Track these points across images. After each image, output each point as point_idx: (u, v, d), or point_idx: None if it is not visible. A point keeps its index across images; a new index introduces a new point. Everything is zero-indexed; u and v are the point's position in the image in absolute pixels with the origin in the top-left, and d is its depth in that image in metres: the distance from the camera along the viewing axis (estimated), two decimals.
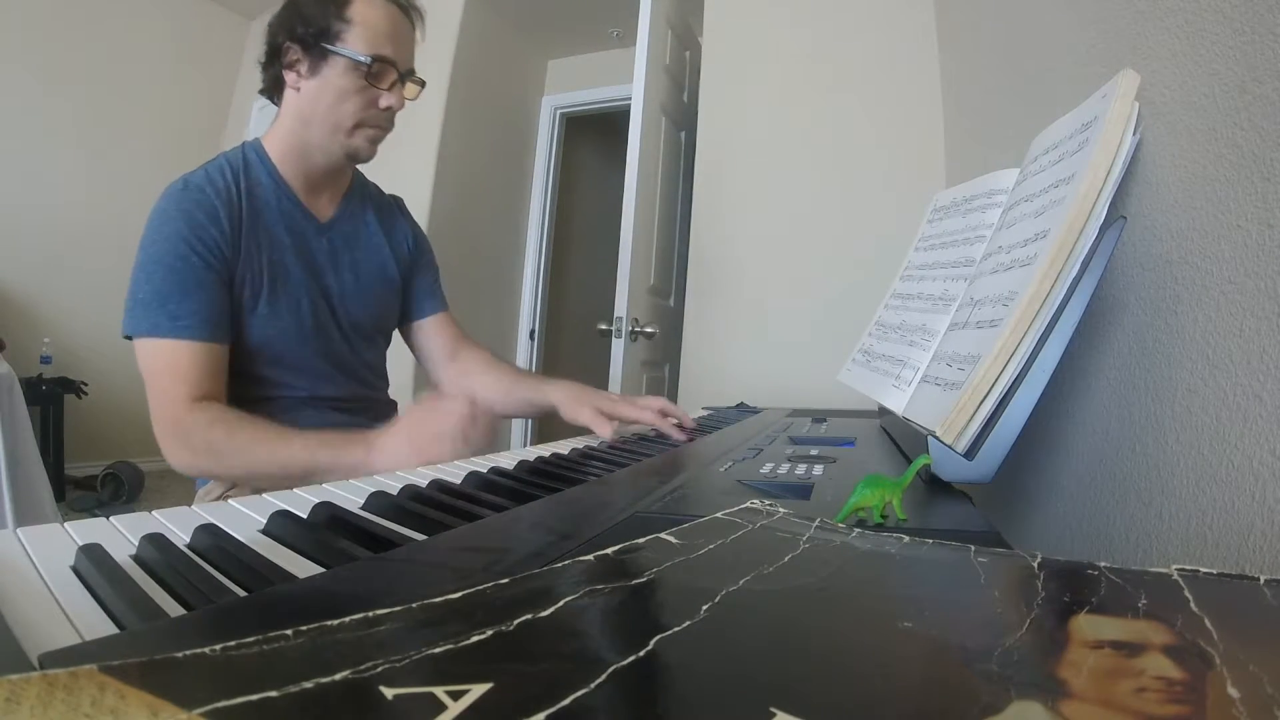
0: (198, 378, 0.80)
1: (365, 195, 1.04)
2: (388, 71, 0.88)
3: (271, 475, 0.76)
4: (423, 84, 0.94)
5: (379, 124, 0.91)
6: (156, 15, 3.40)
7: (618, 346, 1.77)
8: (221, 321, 0.83)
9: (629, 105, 1.82)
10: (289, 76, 0.88)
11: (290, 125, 0.90)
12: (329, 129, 0.89)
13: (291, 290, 0.89)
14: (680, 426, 0.84)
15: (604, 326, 1.82)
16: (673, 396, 2.02)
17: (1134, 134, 0.47)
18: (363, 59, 0.85)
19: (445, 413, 0.71)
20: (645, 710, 0.15)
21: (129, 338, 0.82)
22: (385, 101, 0.89)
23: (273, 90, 0.93)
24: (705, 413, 1.22)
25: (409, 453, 0.68)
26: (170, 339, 0.79)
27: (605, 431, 0.80)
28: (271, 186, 0.90)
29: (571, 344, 4.02)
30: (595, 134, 4.26)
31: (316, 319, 0.92)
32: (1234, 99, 0.41)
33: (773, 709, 0.14)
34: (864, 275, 1.67)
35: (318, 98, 0.87)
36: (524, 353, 3.48)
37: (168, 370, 0.80)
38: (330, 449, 0.75)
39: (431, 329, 1.10)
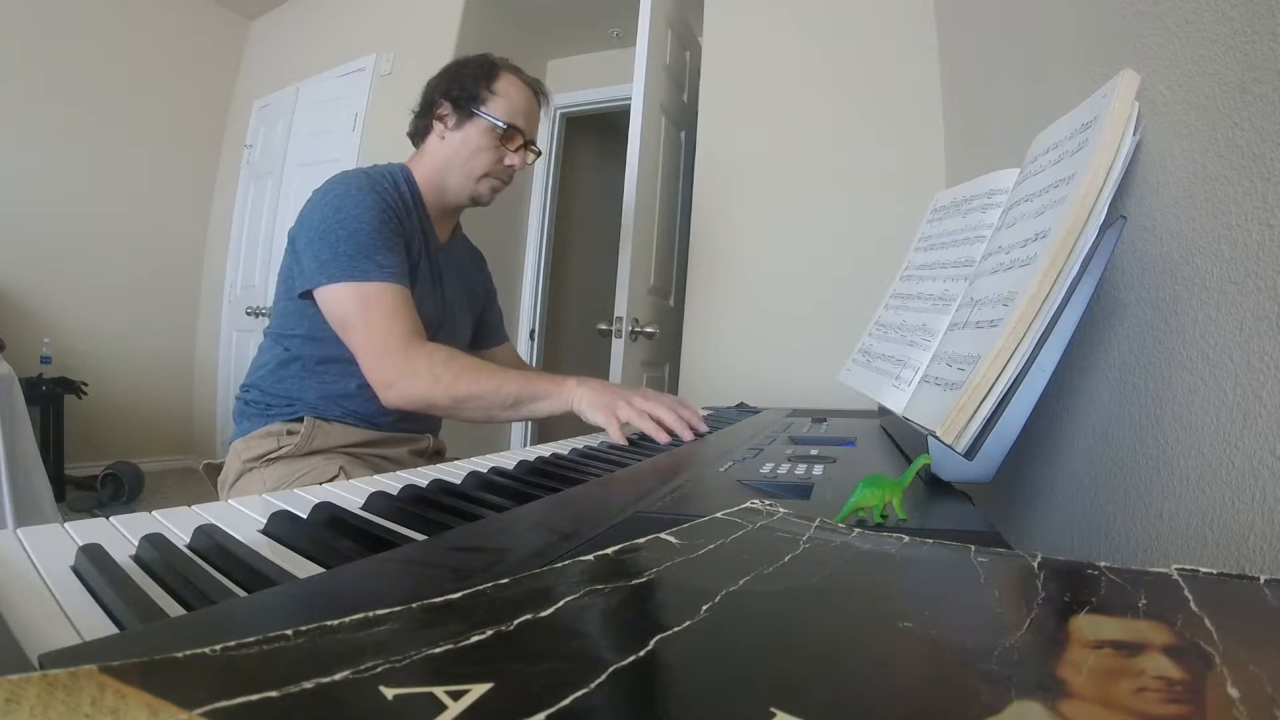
0: (408, 316, 0.91)
1: (464, 238, 1.24)
2: (516, 137, 1.07)
3: (485, 398, 0.88)
4: (539, 153, 1.12)
5: (501, 177, 1.09)
6: (156, 15, 3.40)
7: (618, 346, 1.77)
8: (408, 275, 0.96)
9: (629, 105, 1.82)
10: (437, 126, 1.06)
11: (433, 164, 1.07)
12: (463, 175, 1.07)
13: (426, 286, 1.04)
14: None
15: (604, 326, 1.82)
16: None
17: (1134, 134, 0.47)
18: (500, 124, 1.04)
19: (627, 390, 0.87)
20: (645, 710, 0.15)
21: (308, 293, 0.93)
22: (510, 160, 1.08)
23: (418, 135, 1.10)
24: (705, 413, 1.22)
25: (605, 399, 0.83)
26: (382, 283, 0.90)
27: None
28: (417, 202, 1.06)
29: (571, 344, 4.02)
30: (595, 134, 4.25)
31: (434, 317, 1.05)
32: (1234, 99, 0.41)
33: (773, 709, 0.14)
34: (864, 275, 1.67)
35: (459, 148, 1.05)
36: (524, 353, 3.48)
37: (383, 309, 0.89)
38: (540, 381, 0.89)
39: (501, 356, 1.30)
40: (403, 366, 0.87)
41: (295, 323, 0.99)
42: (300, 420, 0.97)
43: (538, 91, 1.11)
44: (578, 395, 0.85)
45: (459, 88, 1.04)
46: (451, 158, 1.06)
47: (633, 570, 0.24)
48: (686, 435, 0.79)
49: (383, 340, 0.88)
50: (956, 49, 1.48)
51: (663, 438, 0.79)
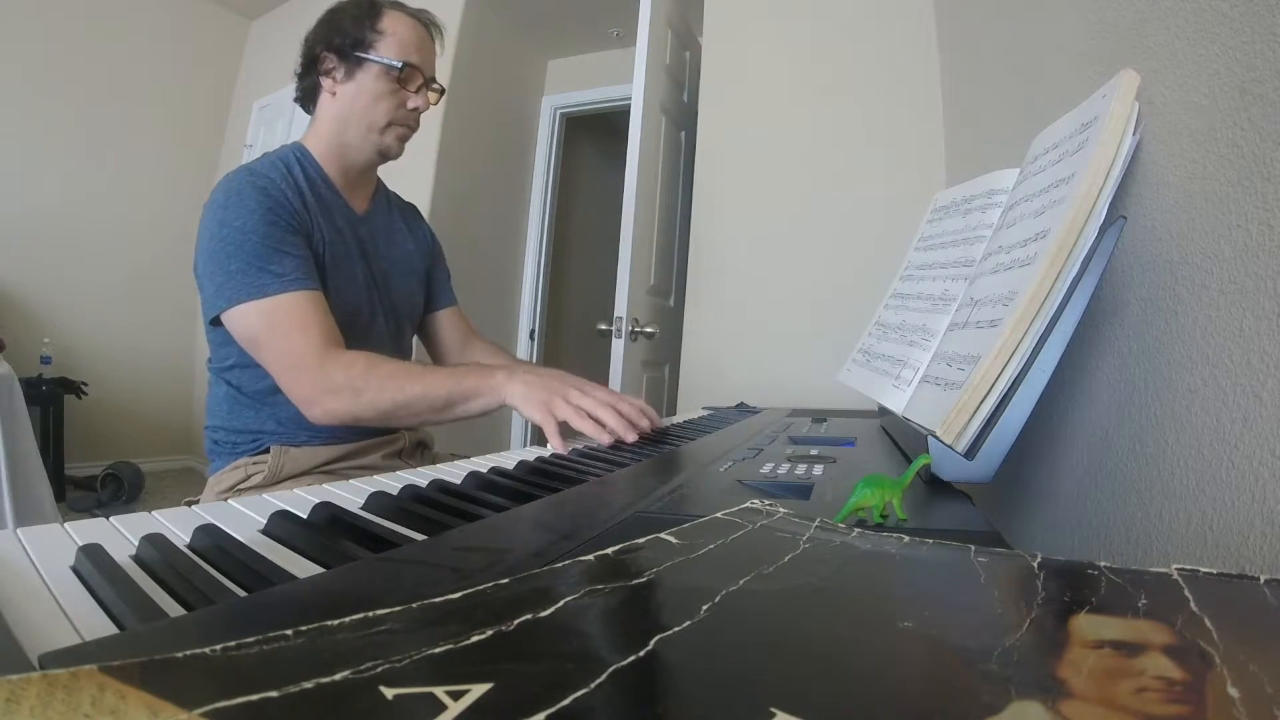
0: (320, 323, 0.84)
1: (390, 197, 1.13)
2: (415, 76, 0.97)
3: (412, 406, 0.82)
4: (443, 90, 1.03)
5: (407, 123, 1.00)
6: (156, 15, 3.40)
7: (618, 346, 1.77)
8: (316, 274, 0.89)
9: (629, 105, 1.82)
10: (325, 83, 0.97)
11: (329, 127, 0.98)
12: (364, 128, 0.97)
13: (350, 268, 0.97)
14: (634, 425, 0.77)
15: (604, 326, 1.82)
16: (673, 396, 2.02)
17: (1134, 134, 0.47)
18: (395, 64, 0.94)
19: (564, 376, 0.81)
20: (645, 710, 0.15)
21: (215, 321, 0.85)
22: (413, 103, 0.98)
23: (307, 98, 1.01)
24: (705, 413, 1.22)
25: (540, 395, 0.76)
26: (283, 294, 0.82)
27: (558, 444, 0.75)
28: (320, 180, 0.97)
29: (571, 344, 4.02)
30: (595, 134, 4.26)
31: (369, 297, 1.00)
32: (1234, 99, 0.41)
33: (773, 709, 0.14)
34: (864, 275, 1.67)
35: (354, 101, 0.96)
36: (524, 353, 3.49)
37: (290, 322, 0.82)
38: (472, 378, 0.81)
39: (446, 320, 1.19)
40: (320, 381, 0.81)
41: (225, 353, 0.93)
42: (267, 451, 0.92)
43: (428, 24, 1.01)
44: (509, 391, 0.79)
45: (340, 34, 0.94)
46: (348, 112, 0.96)
47: (633, 570, 0.24)
48: (629, 436, 0.73)
49: (295, 357, 0.82)
50: (956, 49, 1.48)
51: (604, 439, 0.72)
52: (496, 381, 0.80)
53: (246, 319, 0.83)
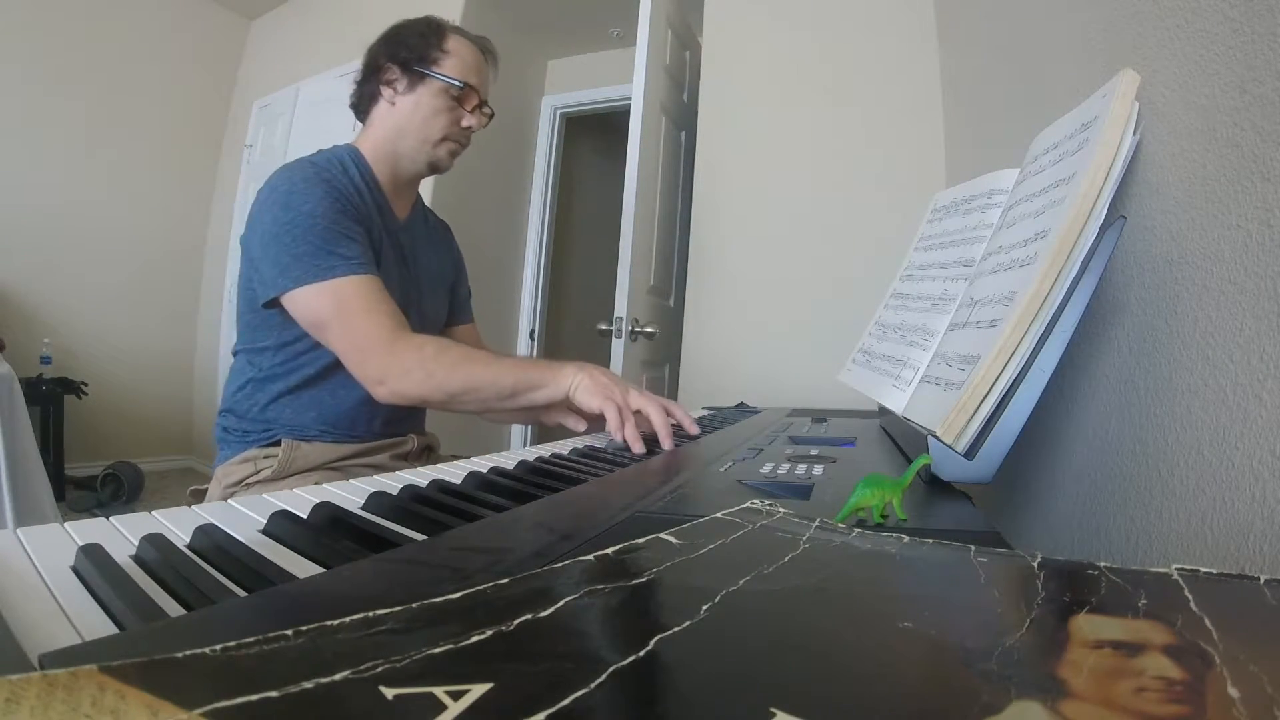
0: (387, 306, 0.87)
1: (426, 211, 1.18)
2: (472, 97, 1.03)
3: (481, 391, 0.85)
4: (493, 114, 1.08)
5: (460, 139, 1.05)
6: (156, 15, 3.40)
7: (618, 346, 1.77)
8: (375, 262, 0.92)
9: (629, 105, 1.82)
10: (385, 92, 1.02)
11: (384, 134, 1.02)
12: (419, 140, 1.02)
13: (390, 269, 0.99)
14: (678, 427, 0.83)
15: (604, 326, 1.82)
16: (673, 396, 2.02)
17: (1134, 134, 0.47)
18: (456, 83, 1.00)
19: (626, 383, 0.84)
20: (645, 710, 0.15)
21: (270, 303, 0.88)
22: (468, 121, 1.04)
23: (362, 105, 1.05)
24: (705, 413, 1.22)
25: (603, 385, 0.81)
26: (350, 276, 0.85)
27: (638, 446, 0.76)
28: (371, 182, 1.01)
29: (571, 344, 4.02)
30: (595, 134, 4.26)
31: (405, 301, 1.00)
32: (1234, 99, 0.41)
33: (773, 709, 0.14)
34: (864, 275, 1.67)
35: (412, 113, 1.01)
36: (524, 353, 3.49)
37: (358, 304, 0.85)
38: (537, 369, 0.86)
39: (463, 336, 1.24)
40: (390, 363, 0.83)
41: (263, 334, 0.95)
42: (278, 444, 0.94)
43: (486, 50, 1.07)
44: (575, 382, 0.83)
45: (406, 49, 1.00)
46: (405, 124, 1.01)
47: (633, 570, 0.24)
48: (667, 444, 0.75)
49: (364, 337, 0.84)
50: (956, 49, 1.48)
51: (638, 448, 0.73)
52: (564, 374, 0.84)
53: (312, 300, 0.85)
